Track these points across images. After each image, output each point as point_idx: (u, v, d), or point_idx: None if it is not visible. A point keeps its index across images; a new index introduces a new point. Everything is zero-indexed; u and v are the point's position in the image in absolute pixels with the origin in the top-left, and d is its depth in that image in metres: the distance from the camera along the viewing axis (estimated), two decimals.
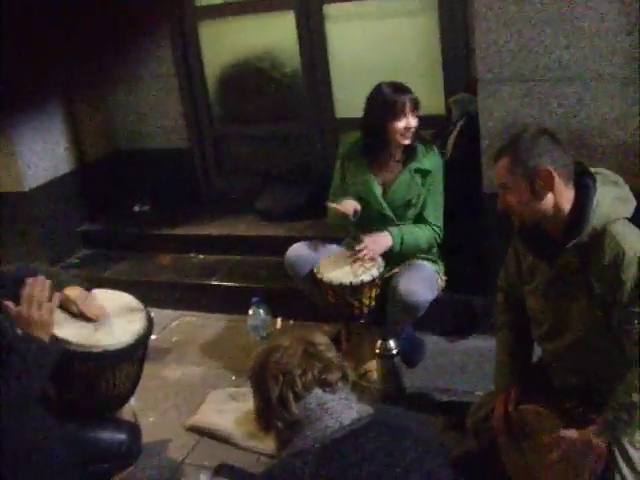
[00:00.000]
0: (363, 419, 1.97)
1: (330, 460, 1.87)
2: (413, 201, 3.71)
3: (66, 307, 2.92)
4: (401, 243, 3.65)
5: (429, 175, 3.70)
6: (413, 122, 3.62)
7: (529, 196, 2.44)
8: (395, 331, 3.66)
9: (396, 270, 3.70)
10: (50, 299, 2.61)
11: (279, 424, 1.99)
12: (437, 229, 3.74)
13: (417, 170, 3.69)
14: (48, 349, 2.57)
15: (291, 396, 1.97)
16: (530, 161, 2.41)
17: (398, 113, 3.60)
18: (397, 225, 3.71)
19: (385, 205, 3.72)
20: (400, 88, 3.66)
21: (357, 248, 3.64)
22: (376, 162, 3.77)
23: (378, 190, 3.73)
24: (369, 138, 3.75)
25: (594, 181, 2.46)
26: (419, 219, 3.76)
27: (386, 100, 3.62)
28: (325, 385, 2.01)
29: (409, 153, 3.71)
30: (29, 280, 2.60)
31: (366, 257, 3.61)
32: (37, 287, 2.58)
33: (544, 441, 2.50)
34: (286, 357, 2.03)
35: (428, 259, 3.77)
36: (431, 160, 3.71)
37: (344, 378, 2.06)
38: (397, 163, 3.74)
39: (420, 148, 3.72)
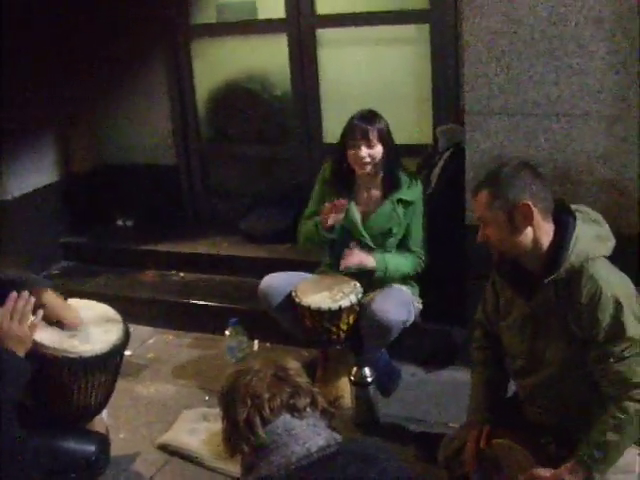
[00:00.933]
0: (331, 447, 1.95)
1: None
2: (393, 231, 3.72)
3: (45, 313, 2.90)
4: (385, 270, 3.64)
5: (411, 206, 3.71)
6: (363, 153, 3.62)
7: (508, 230, 2.43)
8: (371, 355, 3.65)
9: (372, 295, 3.68)
10: (33, 313, 2.65)
11: (245, 448, 1.97)
12: (421, 256, 3.74)
13: (399, 201, 3.69)
14: (25, 364, 2.59)
15: (258, 420, 1.95)
16: (509, 195, 2.41)
17: (351, 141, 3.64)
18: (370, 249, 3.71)
19: (365, 233, 3.72)
20: (364, 117, 3.67)
21: (346, 254, 3.64)
22: (356, 190, 3.78)
23: (358, 218, 3.73)
24: (336, 164, 3.79)
25: (574, 218, 2.46)
26: (402, 247, 3.76)
27: (347, 126, 3.70)
28: (293, 410, 1.98)
29: (392, 183, 3.71)
30: (13, 294, 2.62)
31: (341, 267, 3.60)
32: (20, 302, 2.61)
33: (517, 478, 2.48)
34: (255, 380, 2.01)
35: (404, 283, 3.77)
36: (414, 191, 3.72)
37: (313, 404, 2.03)
38: (379, 192, 3.75)
39: (404, 179, 3.72)
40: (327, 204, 3.63)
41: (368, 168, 3.67)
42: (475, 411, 2.78)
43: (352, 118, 3.70)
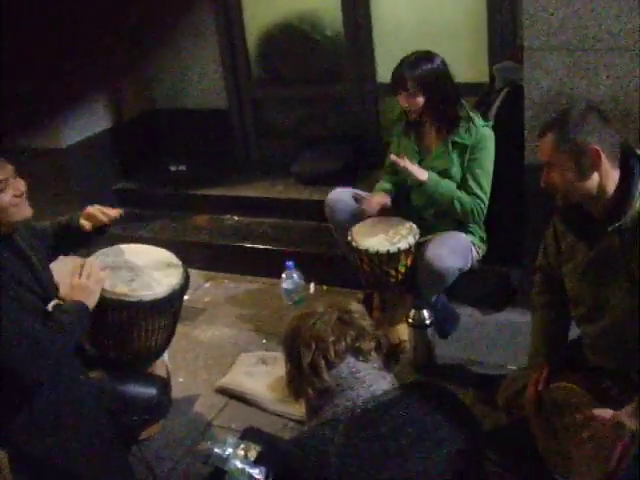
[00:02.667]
0: (396, 390, 1.95)
1: (360, 430, 1.85)
2: (451, 172, 3.63)
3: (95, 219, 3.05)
4: (436, 186, 3.57)
5: (468, 150, 3.60)
6: (402, 101, 3.59)
7: (574, 175, 2.36)
8: (427, 300, 3.63)
9: (429, 238, 3.64)
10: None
11: (310, 391, 1.97)
12: (479, 200, 3.60)
13: (454, 143, 3.61)
14: (87, 320, 2.70)
15: (323, 363, 1.95)
16: (578, 138, 2.33)
17: (393, 89, 3.60)
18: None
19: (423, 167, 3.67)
20: (408, 62, 3.58)
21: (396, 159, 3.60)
22: (420, 133, 3.75)
23: (416, 160, 3.69)
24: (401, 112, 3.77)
25: None
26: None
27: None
28: (358, 354, 1.98)
29: (445, 125, 3.64)
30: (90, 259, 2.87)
31: (397, 161, 3.57)
32: (92, 264, 2.84)
33: (576, 419, 2.46)
34: (320, 323, 2.01)
35: (464, 230, 3.70)
36: (471, 135, 3.60)
37: (378, 348, 2.03)
38: (440, 134, 3.68)
39: (464, 122, 3.62)
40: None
41: (414, 115, 3.63)
42: (536, 354, 2.75)
43: (400, 61, 3.61)
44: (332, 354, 1.94)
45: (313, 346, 1.96)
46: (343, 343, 1.96)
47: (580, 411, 2.44)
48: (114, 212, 3.10)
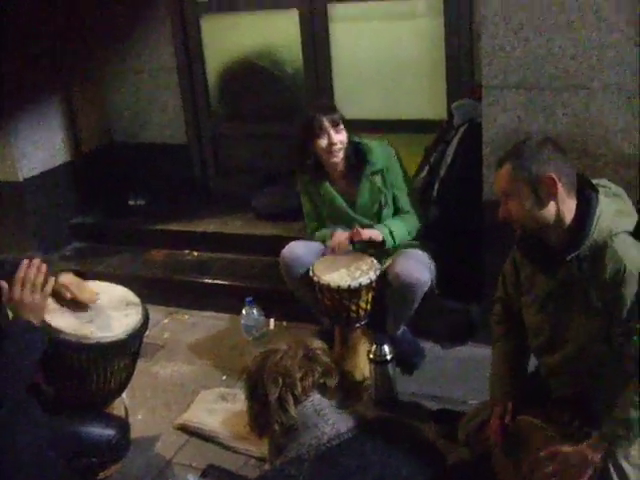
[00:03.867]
0: (360, 427, 1.94)
1: (325, 468, 1.83)
2: (382, 202, 3.74)
3: (60, 294, 2.90)
4: (392, 237, 3.64)
5: (386, 171, 3.72)
6: (335, 138, 3.65)
7: (531, 203, 2.41)
8: (394, 330, 3.68)
9: (389, 261, 3.68)
10: (45, 283, 2.58)
11: (276, 427, 1.96)
12: (416, 214, 3.76)
13: (373, 173, 3.71)
14: (39, 332, 2.55)
15: (291, 399, 1.94)
16: (534, 167, 2.38)
17: (320, 131, 3.64)
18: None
19: (359, 217, 3.75)
20: (322, 106, 3.76)
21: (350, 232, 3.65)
22: (334, 179, 3.80)
23: (347, 207, 3.78)
24: (304, 159, 3.79)
25: (596, 193, 2.43)
26: (396, 212, 3.78)
27: (309, 121, 3.69)
28: (324, 390, 1.97)
29: (359, 159, 3.72)
30: (24, 262, 2.57)
31: (353, 233, 3.61)
32: (32, 270, 2.55)
33: (539, 454, 2.47)
34: (286, 359, 2.00)
35: (416, 246, 3.76)
36: (380, 156, 3.73)
37: (341, 384, 2.03)
38: (354, 173, 3.75)
39: (367, 149, 3.73)
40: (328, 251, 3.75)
41: (341, 154, 3.69)
42: (498, 387, 2.77)
43: (313, 110, 3.72)
44: (299, 390, 1.94)
45: (280, 381, 1.96)
46: (310, 379, 1.96)
47: (544, 447, 2.45)
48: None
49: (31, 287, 2.53)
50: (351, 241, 3.68)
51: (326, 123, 3.63)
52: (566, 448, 2.37)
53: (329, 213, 3.85)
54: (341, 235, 3.68)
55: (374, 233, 3.63)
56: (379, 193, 3.72)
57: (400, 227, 3.68)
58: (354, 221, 3.73)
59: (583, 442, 2.35)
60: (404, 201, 3.76)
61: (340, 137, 3.65)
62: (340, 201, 3.78)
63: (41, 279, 2.57)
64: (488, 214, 3.67)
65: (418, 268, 3.55)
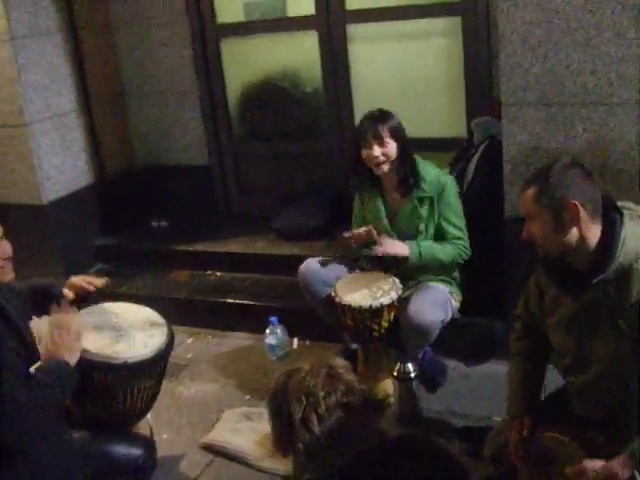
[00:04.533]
0: (384, 446, 1.94)
1: None
2: (419, 229, 3.70)
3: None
4: (419, 255, 3.63)
5: (434, 200, 3.68)
6: (376, 152, 3.61)
7: (553, 228, 2.40)
8: (412, 355, 3.64)
9: (408, 293, 3.67)
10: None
11: (300, 446, 1.96)
12: (461, 245, 3.70)
13: (420, 199, 3.68)
14: (74, 377, 2.64)
15: (315, 418, 1.94)
16: (557, 193, 2.37)
17: (363, 142, 3.64)
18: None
19: (393, 234, 3.73)
20: (374, 116, 3.67)
21: (377, 241, 3.64)
22: (384, 191, 3.79)
23: (385, 220, 3.76)
24: (357, 167, 3.78)
25: (621, 216, 2.42)
26: (439, 239, 3.73)
27: (358, 127, 3.72)
28: (347, 409, 1.97)
29: (409, 181, 3.68)
30: (62, 309, 2.76)
31: (377, 252, 3.61)
32: (68, 316, 2.72)
33: (566, 471, 2.45)
34: (309, 378, 2.00)
35: (442, 280, 3.75)
36: (433, 183, 3.68)
37: (366, 403, 2.03)
38: (404, 191, 3.72)
39: (423, 174, 3.69)
40: (345, 234, 3.73)
41: (385, 167, 3.66)
42: (514, 404, 2.76)
43: (363, 118, 3.71)
44: (323, 409, 1.94)
45: (304, 401, 1.96)
46: (333, 398, 1.96)
47: (570, 464, 2.43)
48: (99, 281, 3.10)
49: (67, 329, 2.67)
50: (364, 244, 3.70)
51: (370, 134, 3.61)
52: (595, 464, 2.35)
53: (371, 220, 3.80)
54: (389, 246, 3.68)
55: (401, 248, 3.63)
56: (418, 220, 3.69)
57: (433, 251, 3.66)
58: (389, 234, 3.73)
59: (607, 458, 2.34)
60: (449, 232, 3.70)
61: (383, 150, 3.61)
62: (382, 212, 3.76)
63: (77, 319, 2.72)
64: (510, 230, 3.68)
65: (432, 308, 3.54)
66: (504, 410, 2.89)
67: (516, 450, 2.65)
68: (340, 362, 2.12)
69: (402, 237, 3.71)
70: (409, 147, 3.69)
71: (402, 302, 3.61)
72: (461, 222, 3.73)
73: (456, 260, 3.72)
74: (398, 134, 3.64)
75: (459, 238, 3.71)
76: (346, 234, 3.76)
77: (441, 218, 3.69)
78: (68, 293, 3.00)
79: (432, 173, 3.71)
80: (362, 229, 3.70)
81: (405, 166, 3.67)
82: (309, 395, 1.97)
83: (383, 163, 3.64)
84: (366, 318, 3.54)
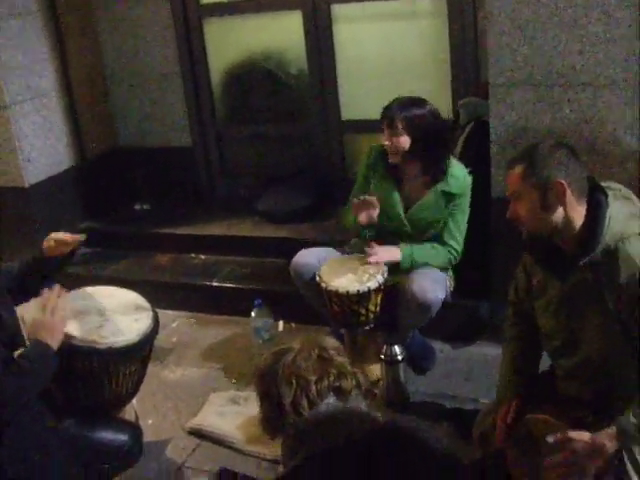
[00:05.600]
0: (374, 430, 1.91)
1: (339, 471, 1.81)
2: (435, 223, 3.65)
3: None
4: (411, 262, 3.59)
5: (454, 198, 3.62)
6: (386, 140, 3.57)
7: (539, 207, 2.39)
8: (404, 336, 3.64)
9: (407, 276, 3.60)
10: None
11: (290, 430, 1.93)
12: (453, 251, 3.66)
13: (444, 192, 3.61)
14: (55, 358, 2.59)
15: (305, 402, 1.92)
16: (544, 172, 2.36)
17: (381, 126, 3.59)
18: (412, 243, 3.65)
19: (407, 223, 3.67)
20: (396, 101, 3.59)
21: (367, 250, 3.57)
22: (400, 177, 3.71)
23: (401, 209, 3.67)
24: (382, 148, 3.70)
25: (606, 197, 2.41)
26: (437, 239, 3.68)
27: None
28: (339, 393, 1.95)
29: (434, 173, 3.61)
30: (46, 290, 2.70)
31: (371, 261, 3.55)
32: (53, 294, 2.67)
33: (547, 439, 2.42)
34: (300, 360, 1.97)
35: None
36: (459, 184, 3.62)
37: (358, 386, 2.00)
38: (424, 181, 3.65)
39: (450, 169, 3.61)
40: (355, 200, 3.59)
41: (395, 157, 3.60)
42: (504, 387, 2.76)
43: (392, 101, 3.60)
44: (314, 393, 1.91)
45: (294, 384, 1.93)
46: (325, 382, 1.93)
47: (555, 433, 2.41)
48: (76, 237, 3.06)
49: (51, 311, 2.62)
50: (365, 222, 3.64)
51: (385, 120, 3.55)
52: (581, 435, 2.31)
53: (382, 205, 3.63)
54: (381, 252, 3.60)
55: (392, 254, 3.59)
56: (437, 213, 3.62)
57: (424, 255, 3.62)
58: (401, 223, 3.67)
59: (599, 432, 2.32)
60: (449, 233, 3.64)
61: (394, 140, 3.54)
62: (397, 200, 3.67)
63: (62, 302, 2.68)
64: (496, 212, 3.68)
65: (434, 286, 3.50)
66: (492, 392, 2.90)
67: (502, 434, 2.64)
68: (332, 343, 2.09)
69: (415, 227, 3.66)
70: (433, 141, 3.57)
71: (396, 285, 3.59)
72: (464, 227, 3.68)
73: (445, 265, 3.69)
74: (415, 127, 3.52)
75: (456, 242, 3.66)
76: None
77: (451, 217, 3.64)
78: (49, 247, 2.97)
79: (460, 171, 3.65)
80: (361, 198, 3.58)
81: (428, 159, 3.59)
82: (300, 378, 1.94)
83: (393, 153, 3.59)
84: (353, 303, 3.50)
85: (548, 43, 3.42)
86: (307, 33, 5.04)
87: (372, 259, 3.55)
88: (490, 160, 3.76)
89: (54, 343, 2.60)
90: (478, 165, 3.86)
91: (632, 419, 2.27)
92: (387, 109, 3.57)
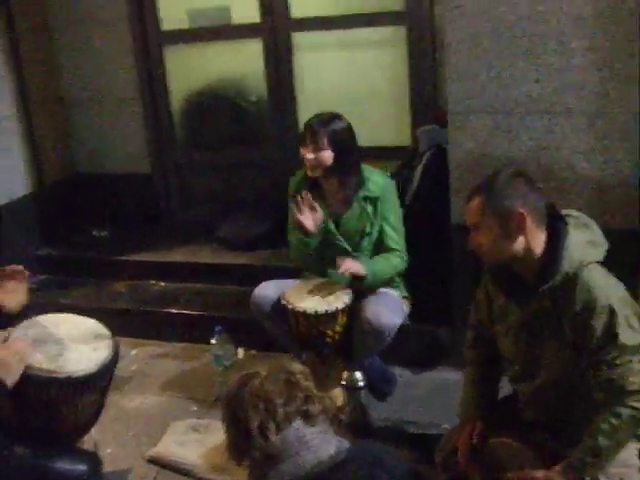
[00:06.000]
0: (341, 454, 1.92)
1: None
2: (367, 230, 3.65)
3: None
4: (373, 275, 3.57)
5: (379, 201, 3.63)
6: (309, 155, 3.58)
7: (500, 237, 2.43)
8: (362, 362, 3.63)
9: (361, 302, 3.61)
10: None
11: (257, 455, 1.92)
12: (401, 254, 3.67)
13: (365, 198, 3.63)
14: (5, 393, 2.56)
15: (273, 426, 1.91)
16: (504, 202, 2.40)
17: (302, 142, 3.62)
18: (354, 257, 3.63)
19: (340, 237, 3.68)
20: (316, 117, 3.63)
21: (337, 260, 3.56)
22: (323, 194, 3.73)
23: (331, 224, 3.68)
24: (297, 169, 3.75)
25: (566, 224, 2.46)
26: (380, 248, 3.68)
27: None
28: (306, 417, 1.94)
29: (353, 183, 3.64)
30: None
31: (347, 269, 3.51)
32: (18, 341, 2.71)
33: (508, 476, 2.48)
34: (267, 385, 1.97)
35: (391, 286, 3.73)
36: (378, 186, 3.64)
37: (325, 411, 2.00)
38: (344, 194, 3.68)
39: (367, 175, 3.65)
40: (295, 209, 3.60)
41: (317, 171, 3.61)
42: (466, 409, 2.79)
43: (311, 117, 3.66)
44: (281, 417, 1.90)
45: (261, 408, 1.92)
46: (293, 406, 1.92)
47: (519, 468, 2.45)
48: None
49: (13, 349, 2.63)
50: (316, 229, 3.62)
51: (307, 135, 3.57)
52: (535, 473, 2.38)
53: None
54: (350, 262, 3.56)
55: (359, 268, 3.55)
56: (366, 219, 3.63)
57: (383, 269, 3.61)
58: (335, 240, 3.66)
59: (552, 468, 2.37)
60: (391, 237, 3.64)
61: (317, 155, 3.55)
62: (325, 217, 3.66)
63: (23, 345, 2.68)
64: (456, 238, 3.71)
65: (388, 312, 3.50)
66: (454, 417, 2.91)
67: (465, 456, 2.66)
68: (298, 368, 2.09)
69: (348, 240, 3.67)
70: (351, 155, 3.62)
71: (353, 310, 3.58)
72: (401, 226, 3.70)
73: (400, 271, 3.70)
74: (338, 142, 3.56)
75: (399, 245, 3.67)
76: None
77: (384, 220, 3.65)
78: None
79: (375, 174, 3.69)
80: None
81: (345, 172, 3.62)
82: (267, 402, 1.93)
83: (315, 167, 3.60)
84: (321, 324, 3.50)
85: (505, 71, 3.48)
86: (267, 61, 5.08)
87: (342, 269, 3.52)
88: (449, 187, 3.80)
89: (9, 380, 2.57)
90: (437, 192, 3.91)
91: (588, 441, 2.32)
92: (310, 124, 3.60)
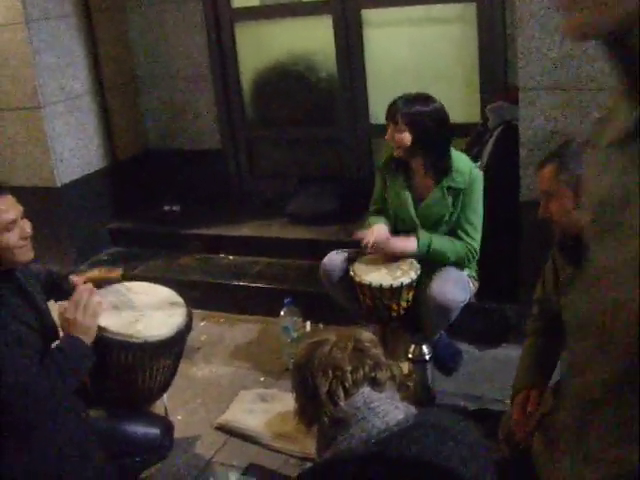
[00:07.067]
0: (409, 420, 1.94)
1: (375, 461, 1.84)
2: (444, 219, 3.64)
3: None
4: (428, 248, 3.59)
5: (461, 193, 3.59)
6: (388, 135, 3.59)
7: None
8: (431, 337, 3.66)
9: (428, 278, 3.63)
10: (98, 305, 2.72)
11: (325, 420, 1.96)
12: (470, 248, 3.63)
13: (449, 188, 3.59)
14: (89, 354, 2.65)
15: (341, 392, 1.94)
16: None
17: (387, 123, 3.60)
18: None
19: (417, 221, 3.69)
20: (402, 97, 3.59)
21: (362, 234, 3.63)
22: (410, 176, 3.73)
23: (411, 206, 3.69)
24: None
25: None
26: (454, 236, 3.67)
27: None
28: (375, 384, 1.98)
29: (438, 169, 3.60)
30: (79, 287, 2.75)
31: (368, 249, 3.58)
32: (85, 293, 2.71)
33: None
34: (336, 351, 2.00)
35: (458, 265, 3.72)
36: (464, 178, 3.59)
37: (392, 378, 2.03)
38: (431, 178, 3.65)
39: (456, 164, 3.60)
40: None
41: (398, 151, 3.61)
42: (522, 377, 2.77)
43: (400, 96, 3.63)
44: (350, 383, 1.94)
45: (330, 374, 1.95)
46: (361, 372, 1.95)
47: None
48: (115, 274, 3.12)
49: (84, 309, 2.67)
50: None
51: (389, 114, 3.57)
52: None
53: (394, 201, 3.74)
54: (379, 233, 3.63)
55: (407, 245, 3.60)
56: (444, 209, 3.61)
57: (442, 245, 3.60)
58: (412, 220, 3.68)
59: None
60: (464, 229, 3.62)
61: (396, 135, 3.54)
62: (406, 196, 3.69)
63: (93, 300, 2.71)
64: (525, 215, 3.69)
65: (453, 289, 3.51)
66: None
67: (518, 424, 2.65)
68: (367, 336, 2.12)
69: (425, 225, 3.67)
70: (434, 139, 3.56)
71: (422, 289, 3.60)
72: (479, 222, 3.64)
73: (462, 261, 3.66)
74: (416, 124, 3.51)
75: (471, 238, 3.63)
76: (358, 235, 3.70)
77: (462, 215, 3.62)
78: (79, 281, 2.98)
79: (465, 165, 3.63)
80: (376, 232, 3.65)
81: (429, 156, 3.59)
82: (336, 369, 1.97)
83: (396, 147, 3.61)
84: (385, 297, 3.54)
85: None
86: (337, 37, 5.09)
87: (368, 247, 3.58)
88: (519, 163, 3.78)
89: (87, 339, 2.66)
90: (507, 168, 3.89)
91: None
92: (392, 105, 3.59)
